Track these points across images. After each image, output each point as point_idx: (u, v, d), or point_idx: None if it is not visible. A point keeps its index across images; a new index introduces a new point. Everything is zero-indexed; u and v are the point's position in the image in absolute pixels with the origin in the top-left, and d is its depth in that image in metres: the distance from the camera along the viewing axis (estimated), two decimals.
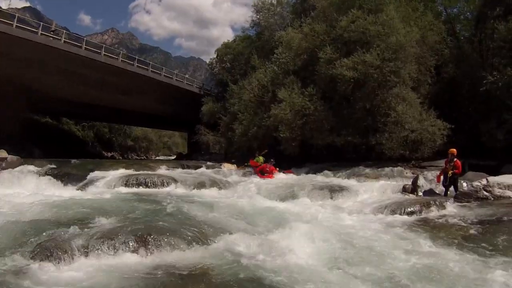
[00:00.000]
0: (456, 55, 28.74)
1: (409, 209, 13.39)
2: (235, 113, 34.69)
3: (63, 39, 37.92)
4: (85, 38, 43.30)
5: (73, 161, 27.82)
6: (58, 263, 7.67)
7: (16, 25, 34.15)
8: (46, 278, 7.03)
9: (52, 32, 38.66)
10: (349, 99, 26.14)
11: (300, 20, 32.08)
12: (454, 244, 9.38)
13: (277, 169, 24.42)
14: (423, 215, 13.03)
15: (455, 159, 16.04)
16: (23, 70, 38.08)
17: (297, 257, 8.38)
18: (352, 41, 26.15)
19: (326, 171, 23.32)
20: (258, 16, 43.96)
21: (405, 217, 12.91)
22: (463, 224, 11.33)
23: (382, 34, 25.06)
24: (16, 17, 35.47)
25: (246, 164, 27.05)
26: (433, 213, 13.16)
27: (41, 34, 36.15)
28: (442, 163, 17.85)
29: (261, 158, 26.00)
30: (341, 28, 26.62)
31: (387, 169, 22.12)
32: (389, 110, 24.55)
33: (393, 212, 13.34)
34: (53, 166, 22.90)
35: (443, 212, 13.30)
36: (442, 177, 16.46)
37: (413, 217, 12.78)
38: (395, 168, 22.29)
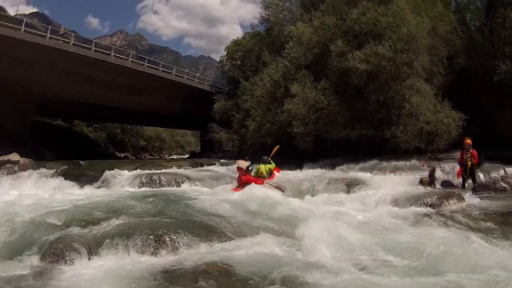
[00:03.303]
0: (467, 45, 28.50)
1: (428, 202, 13.24)
2: (247, 109, 34.49)
3: (72, 42, 38.02)
4: (94, 40, 43.41)
5: (81, 162, 27.83)
6: (70, 264, 7.59)
7: (24, 30, 34.27)
8: (58, 280, 6.92)
9: (61, 36, 38.83)
10: (362, 92, 25.86)
11: (310, 14, 31.92)
12: (477, 236, 9.15)
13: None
14: (443, 207, 12.89)
15: (471, 149, 15.85)
16: (31, 74, 38.28)
17: (317, 253, 8.23)
18: (363, 33, 25.90)
19: (341, 165, 23.14)
20: (267, 12, 43.72)
21: (425, 209, 12.79)
22: (484, 215, 11.27)
23: (393, 25, 24.77)
24: (24, 21, 35.59)
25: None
26: (453, 205, 13.04)
27: (50, 37, 36.29)
28: (458, 154, 17.64)
29: (266, 166, 19.36)
30: (352, 20, 26.40)
31: (402, 162, 21.89)
32: (403, 102, 24.30)
33: (412, 204, 13.20)
34: (65, 167, 22.92)
35: (462, 204, 13.22)
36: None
37: (433, 210, 12.65)
38: (411, 161, 22.07)
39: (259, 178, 17.98)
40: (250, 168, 18.30)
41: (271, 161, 19.79)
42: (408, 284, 6.58)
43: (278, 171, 20.32)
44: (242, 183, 17.18)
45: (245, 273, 7.20)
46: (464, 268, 7.12)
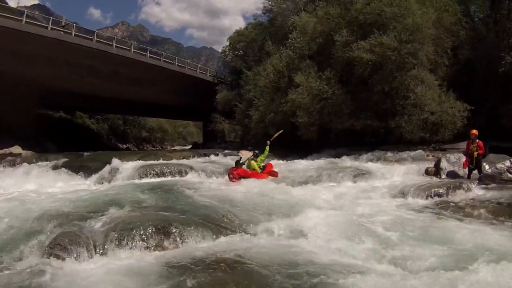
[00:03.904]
0: (471, 37, 28.41)
1: (435, 192, 13.26)
2: (251, 99, 34.44)
3: (74, 33, 37.97)
4: (96, 31, 43.23)
5: (85, 154, 27.79)
6: (75, 259, 7.43)
7: (25, 21, 34.21)
8: (62, 276, 6.74)
9: (62, 27, 38.71)
10: (366, 82, 25.83)
11: (314, 4, 31.84)
12: (487, 226, 9.18)
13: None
14: (450, 197, 12.89)
15: (477, 140, 15.75)
16: (33, 67, 38.08)
17: (324, 244, 8.16)
18: (368, 24, 25.89)
19: (345, 156, 22.98)
20: (270, 2, 43.81)
21: (432, 200, 12.82)
22: (492, 205, 11.26)
23: (398, 16, 24.75)
24: (25, 13, 35.47)
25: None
26: (460, 195, 13.00)
27: (51, 29, 36.23)
28: (463, 145, 17.63)
29: (258, 163, 18.31)
30: (357, 10, 26.42)
31: (407, 153, 21.81)
32: (408, 92, 24.32)
33: (419, 195, 13.20)
34: (68, 159, 22.83)
35: (469, 194, 13.16)
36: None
37: (440, 200, 12.65)
38: (416, 151, 21.99)
39: (254, 172, 17.40)
40: (241, 161, 17.68)
41: (266, 147, 19.05)
42: (435, 278, 6.33)
43: (271, 167, 19.00)
44: (235, 177, 16.55)
45: (254, 266, 7.09)
46: (468, 257, 7.10)
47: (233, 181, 16.33)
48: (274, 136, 20.51)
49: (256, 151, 18.78)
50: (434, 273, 6.42)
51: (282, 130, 21.55)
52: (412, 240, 8.23)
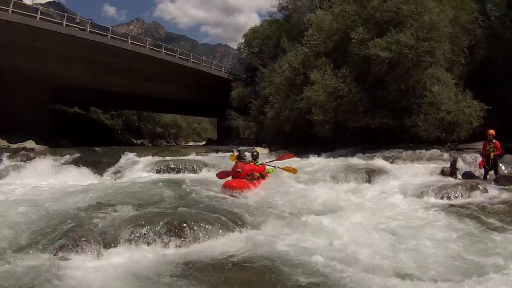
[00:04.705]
0: (488, 35, 28.13)
1: (452, 193, 13.13)
2: (266, 96, 34.47)
3: (88, 30, 38.12)
4: (110, 28, 43.35)
5: (99, 149, 27.82)
6: (85, 256, 7.29)
7: (39, 18, 34.31)
8: (72, 273, 6.59)
9: (77, 24, 38.87)
10: (383, 80, 25.61)
11: (330, 1, 31.76)
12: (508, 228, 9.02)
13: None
14: (467, 199, 12.76)
15: (494, 141, 15.59)
16: (47, 63, 38.50)
17: (337, 243, 8.10)
18: (384, 21, 25.70)
19: (360, 154, 22.63)
20: (286, 0, 43.75)
21: (449, 200, 12.70)
22: (509, 207, 11.02)
23: (415, 13, 24.50)
24: (39, 10, 35.56)
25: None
26: (478, 196, 12.86)
27: (66, 25, 36.39)
28: (479, 145, 17.53)
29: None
30: (373, 8, 26.22)
31: (423, 152, 21.47)
32: (424, 91, 24.07)
33: (436, 195, 13.08)
34: (81, 154, 22.88)
35: (486, 195, 13.00)
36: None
37: (458, 201, 12.54)
38: (431, 151, 21.72)
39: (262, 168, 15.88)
40: (244, 156, 15.70)
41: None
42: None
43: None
44: (245, 173, 14.45)
45: (269, 265, 7.02)
46: (489, 259, 7.04)
47: (242, 179, 14.28)
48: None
49: (256, 153, 16.82)
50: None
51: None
52: (442, 248, 7.91)
